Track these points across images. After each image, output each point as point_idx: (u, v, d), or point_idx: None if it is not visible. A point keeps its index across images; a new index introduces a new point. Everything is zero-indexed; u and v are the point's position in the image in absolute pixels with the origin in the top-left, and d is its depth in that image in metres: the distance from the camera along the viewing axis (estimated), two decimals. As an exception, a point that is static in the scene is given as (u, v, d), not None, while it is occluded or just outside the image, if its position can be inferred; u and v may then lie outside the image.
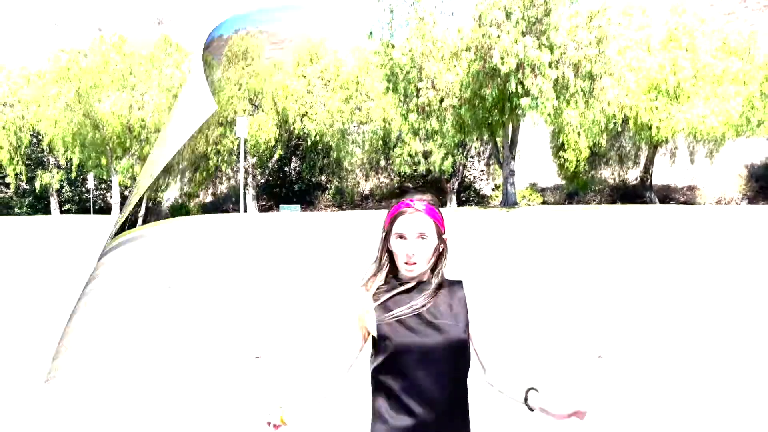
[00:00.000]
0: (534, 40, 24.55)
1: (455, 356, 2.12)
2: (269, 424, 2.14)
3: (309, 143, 40.79)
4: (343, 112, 38.04)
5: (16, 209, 43.43)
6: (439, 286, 2.18)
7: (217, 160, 40.37)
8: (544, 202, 42.24)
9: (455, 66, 26.70)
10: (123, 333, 6.74)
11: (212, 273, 12.30)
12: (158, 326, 7.61)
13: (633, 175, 44.61)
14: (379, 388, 2.14)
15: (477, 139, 37.97)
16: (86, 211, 41.81)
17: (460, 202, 42.54)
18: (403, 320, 2.10)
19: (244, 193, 34.36)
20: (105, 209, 43.45)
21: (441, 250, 2.19)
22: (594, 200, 44.47)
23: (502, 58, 24.24)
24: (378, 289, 2.16)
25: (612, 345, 6.24)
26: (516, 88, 24.97)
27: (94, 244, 19.46)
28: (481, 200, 45.08)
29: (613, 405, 4.59)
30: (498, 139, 31.39)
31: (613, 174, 45.17)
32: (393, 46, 28.06)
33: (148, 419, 4.53)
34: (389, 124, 37.35)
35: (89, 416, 4.55)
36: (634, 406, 4.61)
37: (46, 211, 42.63)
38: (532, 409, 2.05)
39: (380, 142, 39.55)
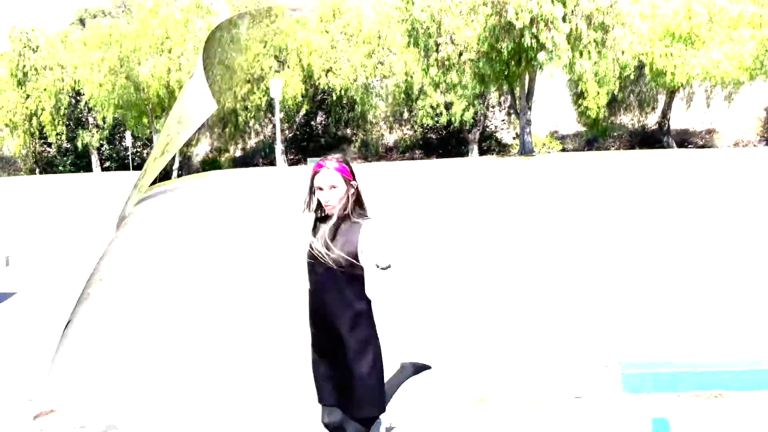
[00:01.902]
0: (547, -7, 25.51)
1: (345, 271, 2.86)
2: None
3: (334, 98, 42.03)
4: (366, 67, 39.16)
5: (59, 167, 45.88)
6: (346, 219, 2.92)
7: (246, 116, 41.84)
8: (563, 150, 43.30)
9: (473, 21, 27.75)
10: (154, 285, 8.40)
11: (249, 224, 13.96)
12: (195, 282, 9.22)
13: (652, 121, 45.28)
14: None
15: (496, 90, 38.84)
16: (125, 167, 43.97)
17: (482, 152, 43.58)
18: (316, 242, 2.90)
19: (278, 148, 36.07)
20: (143, 165, 45.62)
21: (351, 193, 2.92)
22: (613, 146, 45.39)
23: (516, 14, 25.36)
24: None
25: (619, 289, 7.89)
26: (531, 42, 26.09)
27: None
28: (503, 149, 46.11)
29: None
30: (515, 90, 32.52)
31: (632, 120, 45.84)
32: (413, 3, 29.05)
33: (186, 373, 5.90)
34: (411, 77, 38.38)
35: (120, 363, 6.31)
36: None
37: (88, 168, 44.97)
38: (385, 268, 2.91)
39: (403, 95, 40.57)
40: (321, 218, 2.95)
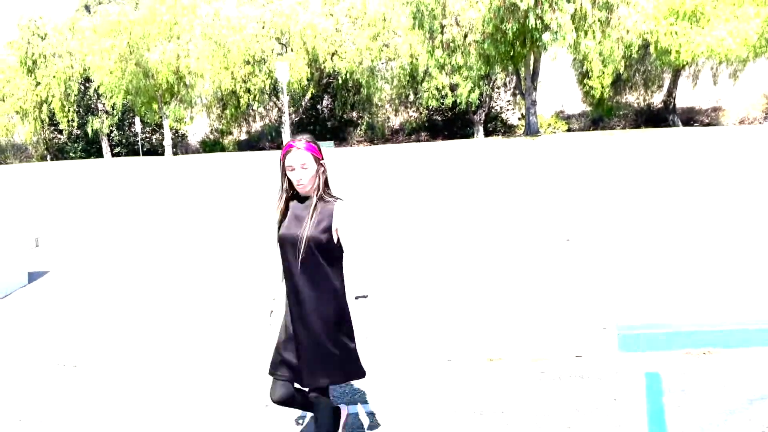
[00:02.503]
0: (551, -26, 25.67)
1: (318, 253, 2.94)
2: (271, 313, 3.17)
3: (339, 81, 42.24)
4: (372, 50, 39.30)
5: (70, 153, 46.40)
6: (320, 199, 2.98)
7: (248, 99, 41.99)
8: (569, 129, 43.48)
9: (477, 2, 27.93)
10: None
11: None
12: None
13: (658, 99, 45.34)
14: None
15: (501, 71, 38.94)
16: (135, 153, 44.44)
17: (487, 133, 43.75)
18: (289, 222, 3.01)
19: (286, 132, 36.26)
20: (152, 151, 46.11)
21: (321, 172, 3.00)
22: (618, 125, 45.51)
23: (520, -5, 25.58)
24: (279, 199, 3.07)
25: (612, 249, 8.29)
26: (535, 23, 26.27)
27: (152, 182, 21.84)
28: (508, 130, 46.25)
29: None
30: (520, 70, 32.71)
31: (638, 99, 45.90)
32: (417, -16, 29.25)
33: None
34: (416, 59, 38.49)
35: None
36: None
37: (98, 154, 45.48)
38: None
39: (408, 78, 40.71)
40: (293, 198, 3.04)
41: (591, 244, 7.88)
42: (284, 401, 3.09)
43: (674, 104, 42.47)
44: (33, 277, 7.84)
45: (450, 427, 3.64)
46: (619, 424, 3.58)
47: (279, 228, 3.03)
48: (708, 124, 43.42)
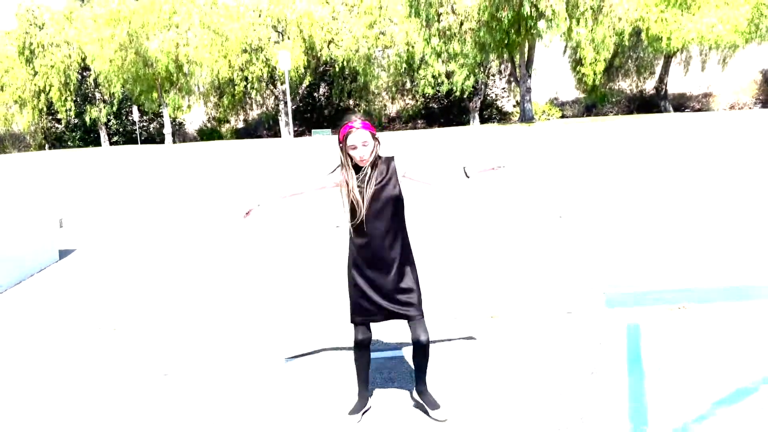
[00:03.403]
0: (545, -37, 26.12)
1: (391, 207, 3.39)
2: (246, 214, 3.56)
3: (336, 69, 42.58)
4: (368, 38, 39.66)
5: (68, 142, 46.70)
6: (376, 164, 3.40)
7: (245, 87, 42.29)
8: (563, 116, 44.07)
9: (473, -10, 28.43)
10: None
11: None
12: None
13: (650, 86, 45.93)
14: (351, 235, 3.49)
15: (496, 59, 39.38)
16: (133, 141, 44.74)
17: (483, 120, 44.25)
18: (359, 187, 3.36)
19: (285, 122, 36.65)
20: (150, 140, 46.45)
21: (375, 145, 3.39)
22: (612, 111, 46.14)
23: (515, -17, 26.05)
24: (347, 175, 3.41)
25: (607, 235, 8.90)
26: (530, 11, 26.76)
27: (156, 170, 22.31)
28: (504, 117, 46.77)
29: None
30: (515, 58, 33.22)
31: (630, 85, 46.50)
32: (414, -27, 29.63)
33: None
34: (412, 47, 38.90)
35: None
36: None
37: (96, 143, 45.79)
38: (468, 177, 3.46)
39: (404, 65, 41.13)
40: (356, 170, 3.39)
41: (581, 220, 8.50)
42: (367, 343, 3.54)
43: (666, 90, 43.08)
44: (63, 254, 8.41)
45: (458, 373, 4.23)
46: (602, 363, 4.20)
47: (348, 195, 3.40)
48: (699, 110, 44.08)
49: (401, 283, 3.45)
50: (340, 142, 3.38)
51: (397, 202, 3.42)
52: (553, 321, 5.06)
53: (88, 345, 5.11)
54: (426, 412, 3.62)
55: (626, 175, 12.81)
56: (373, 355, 4.36)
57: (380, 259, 3.42)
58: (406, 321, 3.51)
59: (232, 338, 5.08)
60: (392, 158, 3.48)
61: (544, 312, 5.27)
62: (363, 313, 3.48)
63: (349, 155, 3.36)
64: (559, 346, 4.54)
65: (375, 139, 3.38)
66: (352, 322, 3.54)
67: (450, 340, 4.78)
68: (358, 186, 3.37)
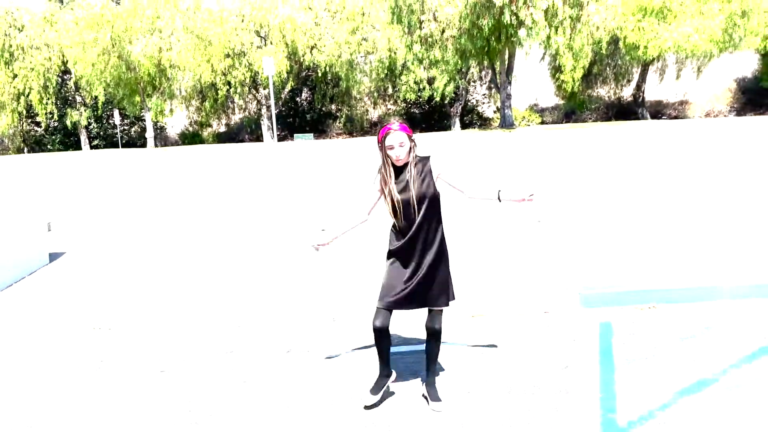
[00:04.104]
0: (525, -28, 26.64)
1: (426, 204, 3.64)
2: (316, 247, 3.79)
3: (319, 74, 42.74)
4: (351, 44, 39.89)
5: (48, 146, 46.29)
6: (415, 164, 3.68)
7: (228, 91, 42.27)
8: (542, 122, 44.70)
9: (454, -1, 28.86)
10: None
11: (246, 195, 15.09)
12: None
13: (627, 93, 46.75)
14: (391, 229, 3.81)
15: (477, 65, 39.86)
16: (114, 145, 44.47)
17: (464, 125, 44.69)
18: (398, 186, 3.65)
19: (268, 126, 36.67)
20: (131, 143, 46.23)
21: (412, 146, 3.68)
22: (590, 118, 46.87)
23: (496, -8, 26.52)
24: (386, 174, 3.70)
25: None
26: (510, 19, 27.24)
27: (137, 173, 22.34)
28: (484, 123, 47.28)
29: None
30: (496, 65, 33.70)
31: (608, 92, 47.27)
32: (397, -20, 29.98)
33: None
34: (394, 53, 39.22)
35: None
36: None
37: (77, 146, 45.44)
38: (500, 201, 3.76)
39: (386, 71, 41.39)
40: (394, 169, 3.68)
41: (558, 225, 8.83)
42: (386, 329, 3.73)
43: (643, 98, 43.91)
44: (53, 257, 8.54)
45: (442, 369, 4.49)
46: (576, 358, 4.49)
47: (388, 194, 3.67)
48: (675, 117, 44.95)
49: (437, 276, 3.73)
50: (378, 143, 3.68)
51: (434, 199, 3.68)
52: (531, 320, 5.35)
53: (85, 345, 5.29)
54: (427, 401, 3.87)
55: (603, 181, 13.21)
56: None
57: (418, 253, 3.68)
58: (426, 310, 3.81)
59: (227, 335, 5.30)
60: (428, 158, 3.75)
61: (522, 311, 5.56)
62: (392, 297, 3.68)
63: (388, 155, 3.64)
64: (536, 343, 4.83)
65: (411, 140, 3.67)
66: (379, 304, 3.73)
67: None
68: (397, 185, 3.65)
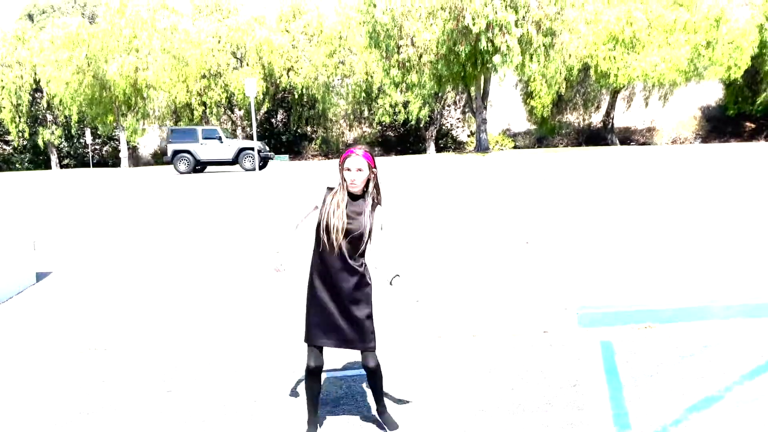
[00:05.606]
0: (501, 1, 27.25)
1: (357, 238, 3.47)
2: (277, 270, 3.61)
3: (295, 96, 42.96)
4: (328, 66, 40.24)
5: (17, 165, 45.43)
6: (366, 198, 3.51)
7: (204, 112, 42.21)
8: (515, 147, 45.45)
9: (432, 25, 29.34)
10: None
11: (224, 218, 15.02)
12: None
13: (597, 119, 47.96)
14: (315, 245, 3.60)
15: (452, 90, 40.50)
16: (85, 164, 43.84)
17: (439, 149, 45.23)
18: (340, 212, 3.45)
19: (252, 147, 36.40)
20: (102, 163, 45.63)
21: (371, 177, 3.50)
22: (561, 143, 47.84)
23: (473, 19, 27.04)
24: (336, 196, 3.51)
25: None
26: (486, 46, 27.81)
27: (112, 193, 22.07)
28: (458, 146, 47.88)
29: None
30: (471, 90, 34.28)
31: (578, 118, 48.42)
32: (375, 5, 30.37)
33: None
34: (371, 76, 39.66)
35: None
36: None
37: (47, 166, 44.68)
38: (391, 285, 3.57)
39: (363, 94, 41.80)
40: (348, 195, 3.52)
41: (547, 245, 8.99)
42: (319, 370, 3.63)
43: (612, 124, 45.02)
44: (40, 276, 8.40)
45: (442, 388, 4.55)
46: (582, 375, 4.59)
47: (324, 215, 3.48)
48: (643, 143, 46.15)
49: (355, 314, 3.54)
50: (339, 164, 3.54)
51: (362, 238, 3.50)
52: (532, 339, 5.45)
53: (82, 365, 5.22)
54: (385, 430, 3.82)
55: (584, 204, 13.48)
56: (340, 373, 4.66)
57: (338, 287, 3.53)
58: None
59: (228, 351, 5.28)
60: (385, 207, 3.61)
61: (521, 331, 5.66)
62: (318, 335, 3.57)
63: (344, 178, 3.50)
64: (540, 361, 4.92)
65: (372, 171, 3.51)
66: (306, 341, 3.63)
67: (433, 358, 5.11)
68: (337, 210, 3.47)
